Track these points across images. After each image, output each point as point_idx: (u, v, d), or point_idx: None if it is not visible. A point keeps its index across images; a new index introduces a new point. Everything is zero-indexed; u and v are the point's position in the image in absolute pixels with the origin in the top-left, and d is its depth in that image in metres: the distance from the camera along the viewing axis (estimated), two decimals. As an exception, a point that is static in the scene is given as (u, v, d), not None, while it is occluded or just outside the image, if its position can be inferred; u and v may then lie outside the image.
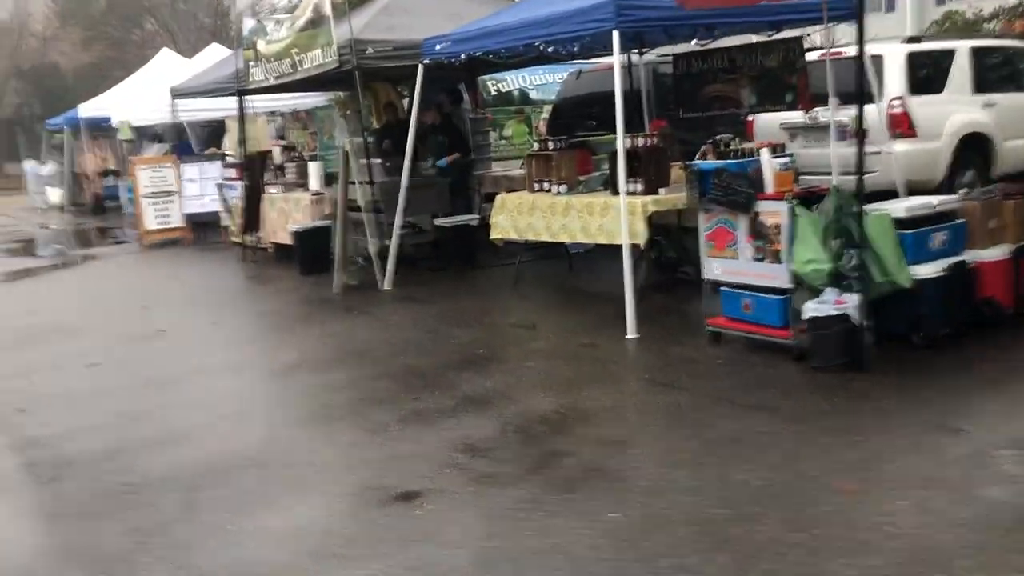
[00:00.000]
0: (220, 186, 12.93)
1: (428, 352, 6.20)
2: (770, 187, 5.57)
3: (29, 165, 24.80)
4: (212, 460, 4.44)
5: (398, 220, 8.72)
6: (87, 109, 19.02)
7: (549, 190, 7.95)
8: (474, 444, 4.40)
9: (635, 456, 4.14)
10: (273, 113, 18.43)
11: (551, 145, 8.27)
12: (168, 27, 35.75)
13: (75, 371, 6.42)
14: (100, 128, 19.51)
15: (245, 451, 4.54)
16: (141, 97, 16.51)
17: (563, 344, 6.22)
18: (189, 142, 19.12)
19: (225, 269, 11.04)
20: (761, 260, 5.52)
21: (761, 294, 5.50)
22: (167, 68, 17.58)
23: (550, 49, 7.55)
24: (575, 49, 7.70)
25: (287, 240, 10.41)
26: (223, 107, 14.31)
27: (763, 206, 5.50)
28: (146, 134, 20.92)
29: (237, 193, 12.09)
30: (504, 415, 4.79)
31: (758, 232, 5.52)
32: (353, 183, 9.04)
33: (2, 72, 37.28)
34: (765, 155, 5.65)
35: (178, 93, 13.52)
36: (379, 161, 10.79)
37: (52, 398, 5.78)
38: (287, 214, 10.76)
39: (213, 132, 19.70)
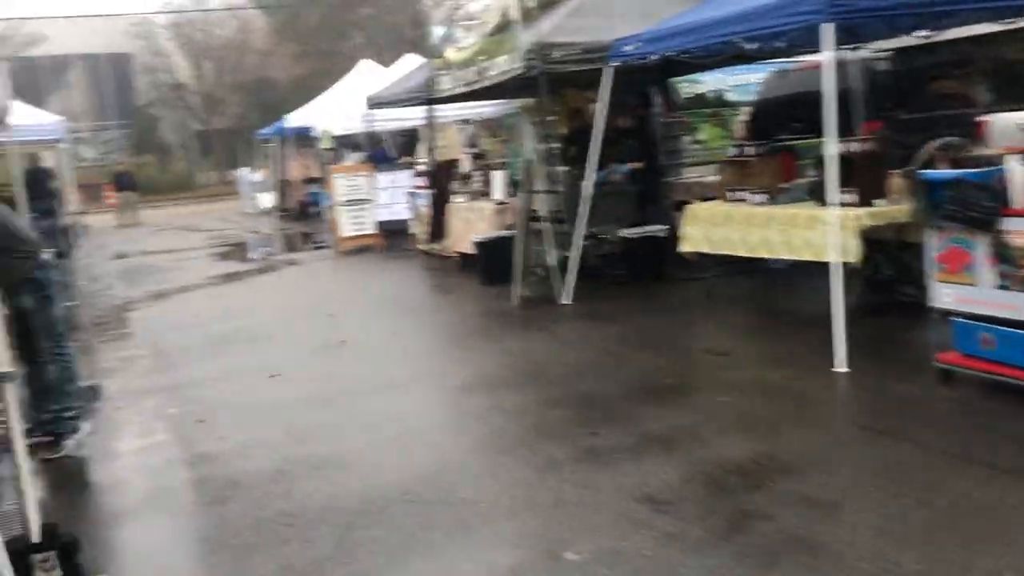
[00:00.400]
0: (410, 194, 13.06)
1: (607, 378, 5.72)
2: (1020, 201, 4.66)
3: (243, 172, 26.56)
4: (372, 491, 4.18)
5: (579, 230, 8.32)
6: (293, 119, 19.97)
7: (746, 199, 7.28)
8: (655, 494, 3.87)
9: (848, 525, 3.47)
10: (466, 121, 18.61)
11: (750, 150, 7.58)
12: (372, 39, 37.32)
13: (256, 381, 6.44)
14: (305, 137, 20.47)
15: (407, 483, 4.24)
16: (341, 107, 17.10)
17: (760, 376, 5.54)
18: (385, 151, 19.65)
19: (410, 277, 11.06)
20: (1006, 288, 4.64)
21: (1006, 328, 4.62)
22: (366, 78, 18.11)
23: (750, 46, 6.86)
24: (779, 45, 6.97)
25: (470, 249, 10.27)
26: (417, 116, 14.51)
27: (1011, 224, 4.61)
28: (346, 143, 21.79)
29: (425, 201, 12.14)
30: (691, 460, 4.23)
31: (1003, 255, 4.64)
32: (536, 192, 8.72)
33: (226, 86, 40.29)
34: (1014, 163, 4.74)
35: (373, 103, 13.79)
36: (564, 169, 10.45)
37: (231, 410, 5.79)
38: (471, 223, 10.62)
39: (409, 141, 20.19)
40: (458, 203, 11.11)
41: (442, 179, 11.64)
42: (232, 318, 9.13)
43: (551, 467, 4.28)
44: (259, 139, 25.75)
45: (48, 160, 16.61)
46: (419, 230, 12.73)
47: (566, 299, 8.12)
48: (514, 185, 10.82)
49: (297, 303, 9.88)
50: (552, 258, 8.34)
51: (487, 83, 9.29)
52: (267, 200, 23.73)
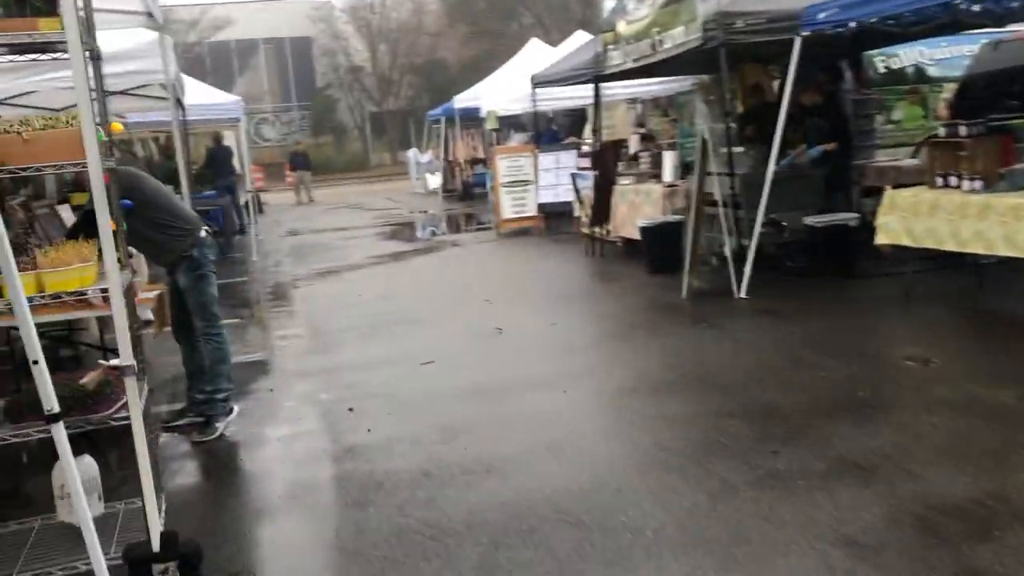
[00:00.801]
0: (573, 176, 12.61)
1: (791, 387, 5.06)
2: None
3: (412, 152, 27.01)
4: (522, 505, 3.77)
5: (760, 217, 7.60)
6: (461, 100, 19.94)
7: (958, 186, 6.37)
8: (854, 536, 3.25)
9: (1114, 601, 2.74)
10: (634, 100, 17.94)
11: (963, 130, 6.62)
12: (541, 20, 37.06)
13: (409, 369, 6.20)
14: (472, 118, 20.41)
15: (561, 498, 3.81)
16: (508, 87, 16.84)
17: (977, 392, 4.72)
18: (555, 130, 19.25)
19: (571, 263, 10.62)
20: None
21: None
22: (533, 58, 17.76)
23: (975, 8, 5.93)
24: (1013, 6, 5.97)
25: (635, 235, 9.71)
26: (583, 95, 14.05)
27: None
28: (512, 123, 21.57)
29: (589, 183, 11.66)
30: (897, 495, 3.56)
31: None
32: (710, 174, 8.04)
33: (400, 68, 41.19)
34: None
35: (538, 81, 13.40)
36: (740, 150, 9.69)
37: (382, 399, 5.55)
38: (637, 207, 10.05)
39: (576, 121, 19.72)
40: (624, 185, 10.55)
41: (607, 160, 11.10)
42: (391, 299, 9.02)
43: (726, 492, 3.73)
44: (429, 120, 26.06)
45: (229, 139, 17.28)
46: (582, 213, 12.27)
47: (742, 293, 7.44)
48: (685, 167, 10.17)
49: (455, 286, 9.66)
50: (728, 247, 7.66)
51: (660, 57, 8.65)
52: (434, 180, 23.99)
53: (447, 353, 6.57)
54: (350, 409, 5.38)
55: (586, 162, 12.56)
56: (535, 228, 13.48)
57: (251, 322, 8.64)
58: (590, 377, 5.71)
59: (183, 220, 5.18)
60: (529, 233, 13.35)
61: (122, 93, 7.93)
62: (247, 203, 16.89)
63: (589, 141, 15.30)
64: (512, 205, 13.62)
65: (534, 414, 5.00)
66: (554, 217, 13.60)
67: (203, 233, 5.21)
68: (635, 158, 11.49)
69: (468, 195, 21.66)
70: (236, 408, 5.33)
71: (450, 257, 12.23)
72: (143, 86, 7.84)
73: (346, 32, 40.39)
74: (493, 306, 8.23)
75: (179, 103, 7.91)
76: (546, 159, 13.59)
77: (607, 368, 5.90)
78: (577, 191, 12.31)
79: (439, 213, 19.16)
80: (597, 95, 11.02)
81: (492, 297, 8.62)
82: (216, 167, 16.99)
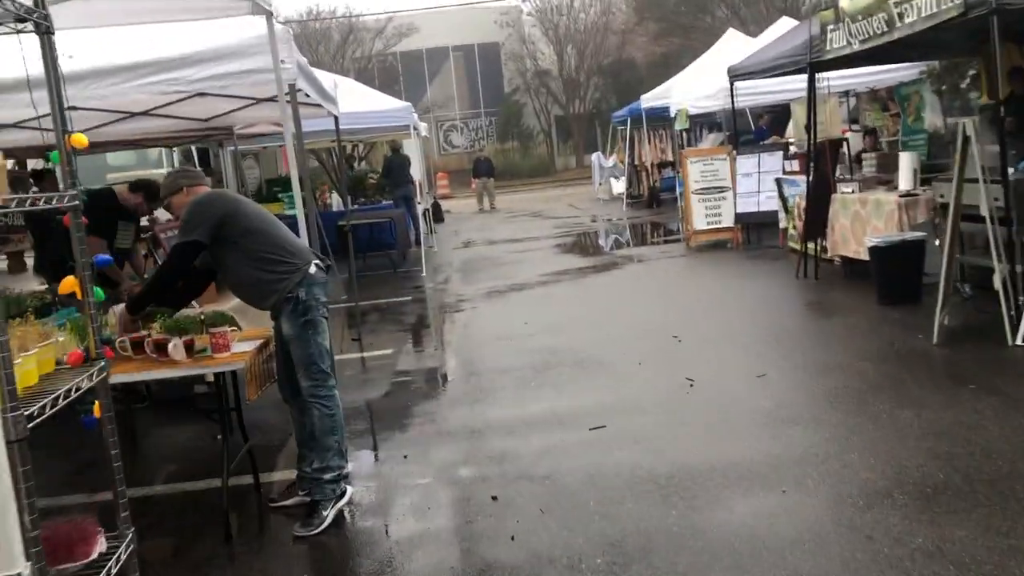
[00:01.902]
0: (779, 181, 10.86)
1: None
2: None
3: (595, 156, 25.79)
4: None
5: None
6: (648, 99, 18.46)
7: None
8: None
9: None
10: (846, 93, 15.78)
11: None
12: (737, 11, 34.72)
13: (574, 436, 4.90)
14: (660, 118, 18.87)
15: None
16: (700, 83, 15.21)
17: None
18: (764, 129, 17.34)
19: (778, 287, 8.91)
20: None
21: None
22: (730, 50, 15.99)
23: None
24: None
25: (860, 255, 7.95)
26: (785, 88, 12.30)
27: None
28: (706, 122, 19.79)
29: (799, 190, 9.92)
30: None
31: None
32: (968, 180, 6.22)
33: (587, 69, 40.02)
34: None
35: (736, 74, 11.70)
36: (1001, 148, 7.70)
37: (535, 484, 4.28)
38: (863, 220, 8.24)
39: (776, 118, 17.69)
40: (845, 193, 8.75)
41: (824, 163, 9.32)
42: (560, 331, 7.74)
43: None
44: (614, 122, 24.72)
45: (409, 147, 16.64)
46: (789, 225, 10.53)
47: (1019, 338, 5.59)
48: (924, 168, 8.30)
49: (637, 315, 8.25)
50: (998, 274, 5.82)
51: (901, 34, 6.86)
52: (618, 185, 22.66)
53: (623, 413, 5.21)
54: (494, 498, 4.15)
55: (794, 165, 10.80)
56: (732, 242, 11.82)
57: (402, 353, 7.64)
58: (819, 467, 4.15)
59: (288, 253, 4.16)
60: (725, 247, 11.71)
61: (270, 100, 7.16)
62: (424, 213, 16.21)
63: (794, 140, 13.44)
64: (705, 215, 12.05)
65: (739, 531, 3.54)
66: (754, 229, 11.90)
67: (313, 268, 4.16)
68: (857, 160, 9.65)
69: (655, 201, 20.11)
70: (351, 490, 4.25)
71: (632, 276, 10.81)
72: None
73: (533, 36, 39.70)
74: (682, 345, 6.78)
75: (325, 109, 7.03)
76: (745, 162, 11.90)
77: (842, 453, 4.30)
78: (784, 199, 10.58)
79: (622, 222, 17.77)
80: (811, 86, 9.24)
81: (681, 332, 7.16)
82: (393, 177, 16.43)
